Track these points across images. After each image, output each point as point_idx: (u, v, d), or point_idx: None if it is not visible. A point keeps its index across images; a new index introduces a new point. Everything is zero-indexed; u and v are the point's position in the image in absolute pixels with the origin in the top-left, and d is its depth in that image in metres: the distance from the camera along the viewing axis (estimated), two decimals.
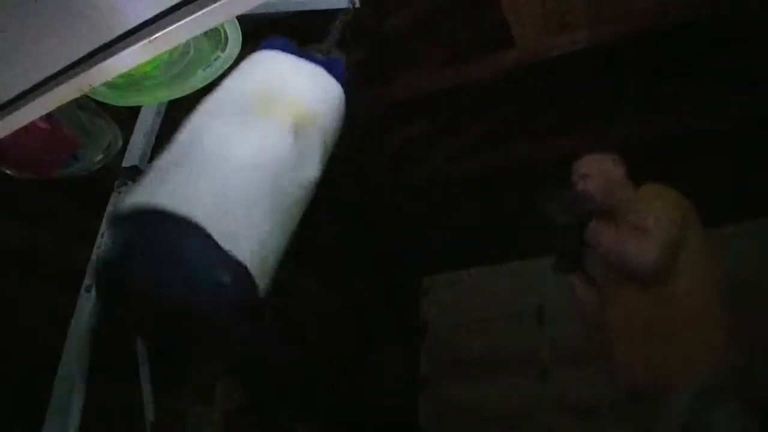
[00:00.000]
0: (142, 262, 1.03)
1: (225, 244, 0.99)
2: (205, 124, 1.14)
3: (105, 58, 0.70)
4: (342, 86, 1.27)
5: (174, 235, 1.02)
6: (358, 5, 1.47)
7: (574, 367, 3.24)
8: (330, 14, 1.48)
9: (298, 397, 3.02)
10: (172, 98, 1.44)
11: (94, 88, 0.77)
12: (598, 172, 2.14)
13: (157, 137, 1.58)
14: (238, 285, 1.01)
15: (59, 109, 0.83)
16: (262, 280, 1.05)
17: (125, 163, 1.51)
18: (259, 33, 1.32)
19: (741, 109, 3.10)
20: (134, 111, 1.56)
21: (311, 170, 1.16)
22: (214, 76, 1.28)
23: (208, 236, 0.99)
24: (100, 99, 1.30)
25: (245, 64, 1.24)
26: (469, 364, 3.72)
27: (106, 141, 1.58)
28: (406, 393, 3.74)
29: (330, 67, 1.26)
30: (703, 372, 1.73)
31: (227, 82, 1.21)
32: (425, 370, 3.88)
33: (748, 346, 1.82)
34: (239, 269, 1.00)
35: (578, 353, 3.10)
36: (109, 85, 1.20)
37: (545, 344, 3.54)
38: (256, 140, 1.11)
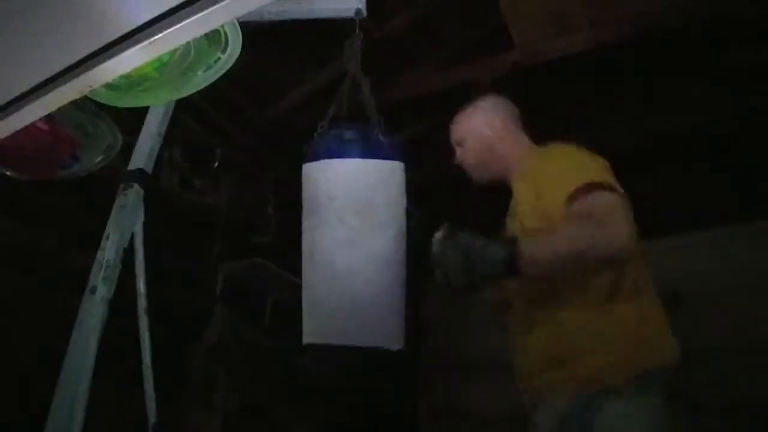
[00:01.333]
0: None
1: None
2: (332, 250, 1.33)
3: (105, 60, 0.70)
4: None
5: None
6: (364, 15, 1.47)
7: None
8: (332, 22, 1.49)
9: (298, 397, 3.02)
10: (172, 100, 1.44)
11: (94, 89, 0.77)
12: (473, 133, 1.71)
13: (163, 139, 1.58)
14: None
15: (59, 110, 0.83)
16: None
17: (131, 166, 1.52)
18: (260, 35, 1.33)
19: (741, 109, 3.10)
20: (134, 112, 1.56)
21: (402, 244, 1.40)
22: (215, 78, 1.28)
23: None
24: (100, 100, 1.30)
25: (325, 178, 1.37)
26: (469, 364, 3.72)
27: (106, 142, 1.58)
28: (406, 393, 3.74)
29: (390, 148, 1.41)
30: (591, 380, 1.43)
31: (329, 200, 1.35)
32: (425, 370, 3.88)
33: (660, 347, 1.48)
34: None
35: None
36: (110, 86, 1.20)
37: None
38: (368, 247, 1.32)
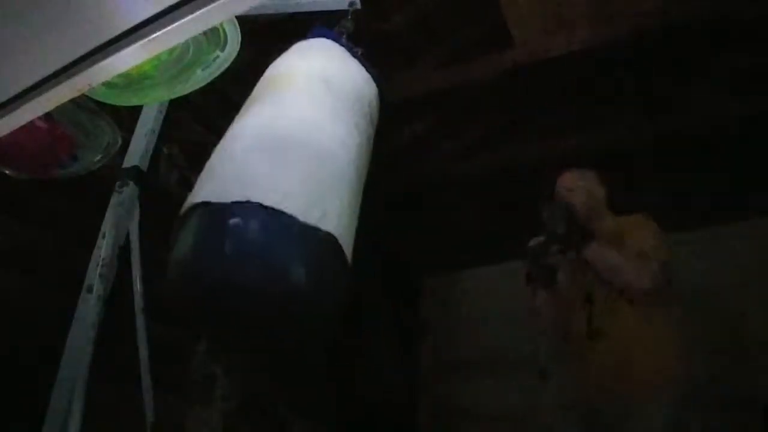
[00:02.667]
0: (234, 255, 0.98)
1: (318, 224, 1.00)
2: (281, 112, 1.16)
3: (104, 58, 0.70)
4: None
5: (262, 222, 0.99)
6: (359, 6, 1.47)
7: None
8: (328, 16, 1.49)
9: (297, 397, 3.02)
10: (171, 98, 1.44)
11: (93, 87, 0.77)
12: (582, 187, 2.21)
13: (158, 137, 1.58)
14: (335, 256, 1.04)
15: (58, 108, 0.83)
16: (348, 252, 1.09)
17: (126, 164, 1.52)
18: (258, 33, 1.33)
19: (741, 109, 3.10)
20: (134, 111, 1.56)
21: (368, 158, 1.23)
22: (213, 76, 1.28)
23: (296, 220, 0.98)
24: (100, 99, 1.30)
25: (305, 51, 1.31)
26: (469, 364, 3.72)
27: (105, 141, 1.58)
28: (406, 393, 3.74)
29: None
30: (670, 387, 1.89)
31: (291, 68, 1.26)
32: (425, 370, 3.88)
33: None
34: (333, 241, 1.03)
35: None
36: (109, 84, 1.20)
37: (545, 344, 3.54)
38: (340, 128, 1.16)
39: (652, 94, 3.25)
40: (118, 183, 1.47)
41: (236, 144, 1.12)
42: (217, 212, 1.00)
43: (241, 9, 0.70)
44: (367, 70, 1.37)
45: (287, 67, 1.31)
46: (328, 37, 1.38)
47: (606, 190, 2.24)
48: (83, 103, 1.46)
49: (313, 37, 1.39)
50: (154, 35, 0.68)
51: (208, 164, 1.14)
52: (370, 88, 1.35)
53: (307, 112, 1.17)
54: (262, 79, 1.30)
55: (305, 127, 1.13)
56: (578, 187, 2.20)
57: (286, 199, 0.99)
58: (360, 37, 1.47)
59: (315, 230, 0.99)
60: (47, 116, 1.37)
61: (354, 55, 1.36)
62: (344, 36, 1.43)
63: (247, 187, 1.00)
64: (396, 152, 3.58)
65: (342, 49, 1.36)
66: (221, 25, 1.19)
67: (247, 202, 0.98)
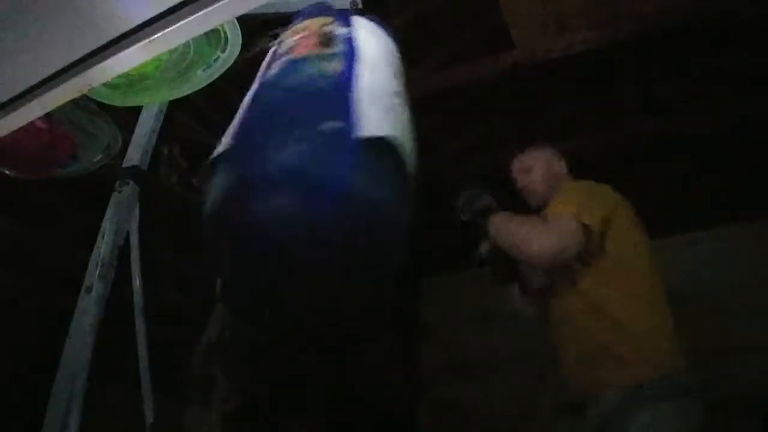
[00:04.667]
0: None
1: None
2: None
3: (104, 59, 0.70)
4: None
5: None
6: (360, 6, 1.47)
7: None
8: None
9: (296, 397, 3.02)
10: (171, 99, 1.44)
11: (93, 88, 0.77)
12: (541, 165, 2.09)
13: (158, 137, 1.58)
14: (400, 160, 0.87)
15: (58, 109, 0.83)
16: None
17: (126, 163, 1.51)
18: (259, 33, 1.33)
19: (741, 110, 3.10)
20: (134, 111, 1.56)
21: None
22: (214, 77, 1.28)
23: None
24: (100, 99, 1.30)
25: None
26: (469, 364, 3.72)
27: (105, 141, 1.58)
28: (406, 393, 3.74)
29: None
30: (634, 376, 1.64)
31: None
32: (425, 370, 3.88)
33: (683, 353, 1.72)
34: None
35: None
36: (109, 85, 1.20)
37: (545, 344, 3.54)
38: (398, 86, 1.08)
39: (652, 94, 3.25)
40: (117, 183, 1.47)
41: None
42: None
43: (243, 10, 0.70)
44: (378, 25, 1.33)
45: None
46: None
47: (565, 164, 2.11)
48: (83, 104, 1.46)
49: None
50: (155, 36, 0.68)
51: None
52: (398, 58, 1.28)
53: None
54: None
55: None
56: (534, 165, 2.08)
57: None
58: None
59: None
60: (47, 116, 1.37)
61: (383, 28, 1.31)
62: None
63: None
64: None
65: (374, 24, 1.26)
66: (222, 25, 1.19)
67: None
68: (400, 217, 0.89)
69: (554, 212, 1.80)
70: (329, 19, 1.16)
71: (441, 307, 4.01)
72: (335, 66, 0.98)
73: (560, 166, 2.10)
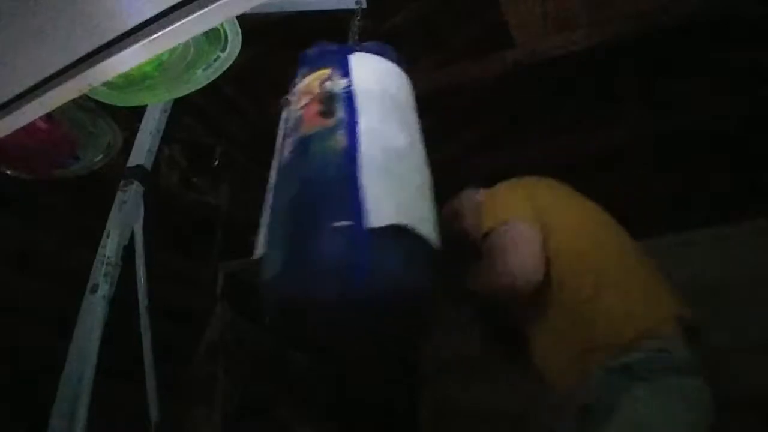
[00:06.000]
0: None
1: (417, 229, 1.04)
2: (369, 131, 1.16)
3: (105, 58, 0.70)
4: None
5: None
6: (364, 6, 1.47)
7: None
8: (331, 15, 1.49)
9: (297, 397, 3.02)
10: (171, 98, 1.44)
11: (93, 88, 0.77)
12: (465, 204, 2.01)
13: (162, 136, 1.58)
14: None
15: (59, 109, 0.83)
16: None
17: (130, 162, 1.51)
18: (259, 33, 1.33)
19: (741, 109, 3.10)
20: (134, 111, 1.56)
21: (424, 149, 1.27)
22: (214, 77, 1.28)
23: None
24: (100, 99, 1.30)
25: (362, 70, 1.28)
26: (469, 363, 3.72)
27: (106, 141, 1.58)
28: (406, 393, 3.74)
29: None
30: (613, 351, 1.48)
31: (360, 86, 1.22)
32: (425, 370, 3.88)
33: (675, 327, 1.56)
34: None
35: None
36: (109, 85, 1.20)
37: None
38: (405, 135, 1.19)
39: (653, 93, 3.25)
40: (122, 182, 1.47)
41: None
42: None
43: (242, 9, 0.70)
44: (399, 65, 1.38)
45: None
46: (348, 50, 1.35)
47: (480, 190, 2.01)
48: (84, 103, 1.46)
49: (331, 50, 1.35)
50: (155, 36, 0.68)
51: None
52: (407, 82, 1.39)
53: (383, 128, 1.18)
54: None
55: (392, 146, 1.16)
56: (460, 207, 2.00)
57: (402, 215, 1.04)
58: (361, 38, 1.47)
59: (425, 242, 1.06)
60: (48, 116, 1.38)
61: (386, 55, 1.37)
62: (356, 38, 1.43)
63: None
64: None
65: (376, 56, 1.36)
66: (221, 25, 1.20)
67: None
68: (421, 283, 1.07)
69: (501, 226, 1.68)
70: (327, 71, 1.23)
71: (441, 306, 4.00)
72: (340, 141, 1.12)
73: (478, 197, 2.00)
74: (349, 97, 1.19)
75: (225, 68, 1.27)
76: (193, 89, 1.30)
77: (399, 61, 1.38)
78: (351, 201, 1.03)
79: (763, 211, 3.04)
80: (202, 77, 1.28)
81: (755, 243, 3.09)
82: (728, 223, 3.14)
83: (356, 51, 1.33)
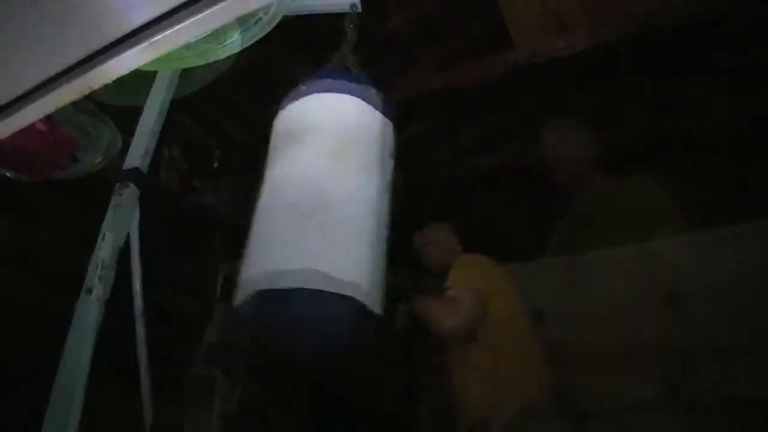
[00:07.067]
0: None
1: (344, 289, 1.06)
2: (301, 177, 1.17)
3: (105, 61, 0.70)
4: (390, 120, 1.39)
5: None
6: (359, 9, 1.46)
7: (572, 368, 3.23)
8: (329, 18, 1.48)
9: (296, 399, 3.02)
10: (171, 98, 1.44)
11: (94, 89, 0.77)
12: (437, 241, 2.41)
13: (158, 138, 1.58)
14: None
15: (59, 111, 0.83)
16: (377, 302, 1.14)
17: (126, 165, 1.51)
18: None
19: (741, 109, 3.09)
20: (134, 112, 1.56)
21: (387, 201, 1.29)
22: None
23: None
24: (100, 99, 1.29)
25: (306, 112, 1.29)
26: None
27: (105, 142, 1.58)
28: (405, 394, 3.74)
29: (379, 102, 1.36)
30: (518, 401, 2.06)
31: (305, 129, 1.23)
32: (424, 371, 3.88)
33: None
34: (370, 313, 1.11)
35: (577, 354, 3.09)
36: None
37: (544, 345, 3.53)
38: (351, 183, 1.18)
39: (652, 94, 3.25)
40: (118, 185, 1.47)
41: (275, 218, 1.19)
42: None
43: (243, 11, 0.70)
44: (380, 108, 1.33)
45: (306, 122, 1.27)
46: (334, 78, 1.32)
47: (456, 238, 2.44)
48: (84, 106, 1.46)
49: (321, 81, 1.31)
50: (156, 38, 0.68)
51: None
52: (387, 127, 1.36)
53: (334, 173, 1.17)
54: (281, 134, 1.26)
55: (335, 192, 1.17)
56: (432, 241, 2.41)
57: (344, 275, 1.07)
58: (361, 38, 1.46)
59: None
60: (47, 118, 1.37)
61: (365, 96, 1.31)
62: (350, 63, 1.40)
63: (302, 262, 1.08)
64: (396, 152, 3.57)
65: (354, 99, 1.29)
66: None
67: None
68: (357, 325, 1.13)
69: (457, 291, 2.12)
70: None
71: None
72: None
73: (454, 241, 2.43)
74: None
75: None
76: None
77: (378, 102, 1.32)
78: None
79: (763, 211, 3.04)
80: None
81: (755, 243, 3.09)
82: (728, 222, 3.14)
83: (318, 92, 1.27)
